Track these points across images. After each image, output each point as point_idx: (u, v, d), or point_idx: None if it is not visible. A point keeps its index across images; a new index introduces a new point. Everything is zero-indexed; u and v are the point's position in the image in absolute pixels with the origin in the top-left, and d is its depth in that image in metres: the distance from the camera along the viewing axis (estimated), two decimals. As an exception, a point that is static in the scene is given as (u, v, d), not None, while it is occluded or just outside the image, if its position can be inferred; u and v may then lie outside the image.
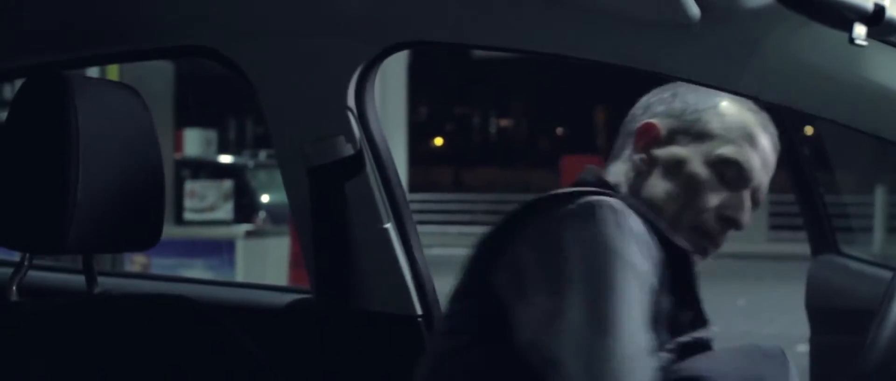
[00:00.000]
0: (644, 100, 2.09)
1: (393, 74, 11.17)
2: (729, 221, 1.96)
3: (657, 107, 2.05)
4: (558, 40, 2.03)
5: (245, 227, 9.43)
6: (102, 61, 3.07)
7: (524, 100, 41.01)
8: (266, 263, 9.03)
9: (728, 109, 2.00)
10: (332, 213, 2.22)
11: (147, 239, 2.02)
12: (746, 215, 1.97)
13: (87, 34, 2.30)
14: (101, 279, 2.10)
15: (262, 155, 15.17)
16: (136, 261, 8.38)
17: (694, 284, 1.93)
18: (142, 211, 1.99)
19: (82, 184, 1.85)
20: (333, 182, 2.22)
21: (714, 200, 1.95)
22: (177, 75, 10.52)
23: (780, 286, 14.67)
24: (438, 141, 42.69)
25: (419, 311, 2.28)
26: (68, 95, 1.86)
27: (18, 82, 2.03)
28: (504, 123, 45.40)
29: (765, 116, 2.02)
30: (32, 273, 2.02)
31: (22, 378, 1.77)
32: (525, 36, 2.05)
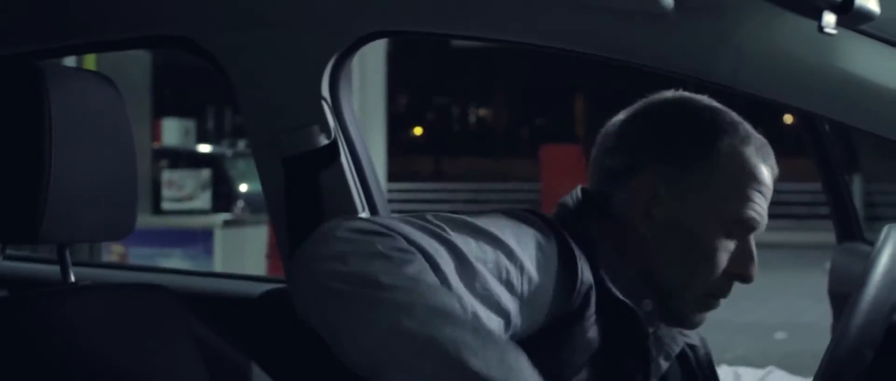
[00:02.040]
0: (621, 129, 1.88)
1: (372, 64, 11.17)
2: (739, 278, 1.84)
3: (648, 149, 1.84)
4: (535, 31, 2.03)
5: (223, 216, 9.43)
6: (78, 51, 3.05)
7: (504, 89, 41.05)
8: (244, 252, 9.02)
9: (732, 150, 1.83)
10: (306, 202, 2.22)
11: (121, 228, 2.02)
12: (755, 268, 1.84)
13: (63, 23, 2.29)
14: (76, 270, 2.09)
15: (241, 144, 15.15)
16: (113, 251, 8.36)
17: (640, 340, 1.77)
18: (116, 200, 1.99)
19: (55, 174, 1.85)
20: (308, 172, 2.22)
21: (723, 260, 1.81)
22: (155, 65, 10.49)
23: (760, 275, 14.69)
24: (418, 131, 42.69)
25: (394, 300, 2.27)
26: (41, 84, 1.85)
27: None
28: (484, 112, 45.43)
29: (759, 140, 1.87)
30: (6, 263, 2.01)
31: (-5, 369, 1.76)
32: (500, 26, 2.05)
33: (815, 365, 1.64)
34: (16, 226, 1.87)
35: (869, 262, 1.59)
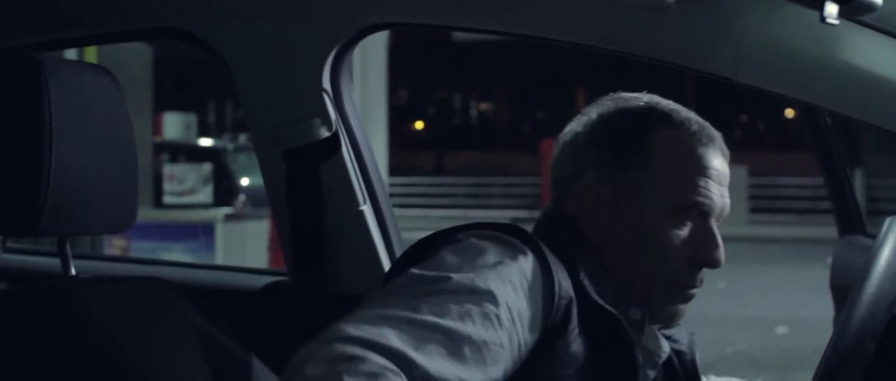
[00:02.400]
0: (563, 142, 1.87)
1: (373, 58, 11.17)
2: (703, 263, 1.80)
3: (585, 153, 1.83)
4: (536, 22, 2.03)
5: (224, 210, 9.42)
6: (78, 43, 3.06)
7: (505, 83, 41.04)
8: (245, 246, 9.02)
9: (668, 139, 1.80)
10: (307, 195, 2.22)
11: (122, 221, 2.01)
12: (719, 252, 1.80)
13: (63, 16, 2.29)
14: (77, 263, 2.09)
15: (242, 138, 15.15)
16: (114, 244, 8.36)
17: (627, 349, 1.72)
18: (116, 193, 1.99)
19: (56, 166, 1.84)
20: (309, 164, 2.21)
21: (682, 249, 1.77)
22: (156, 59, 10.49)
23: (761, 269, 14.75)
24: (419, 125, 42.69)
25: (395, 293, 2.27)
26: (41, 76, 1.85)
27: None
28: (484, 106, 45.44)
29: (699, 124, 1.83)
30: (7, 256, 2.01)
31: (-5, 361, 1.76)
32: (501, 18, 2.05)
33: (815, 359, 1.64)
34: (16, 219, 1.87)
35: (870, 254, 1.59)
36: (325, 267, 2.25)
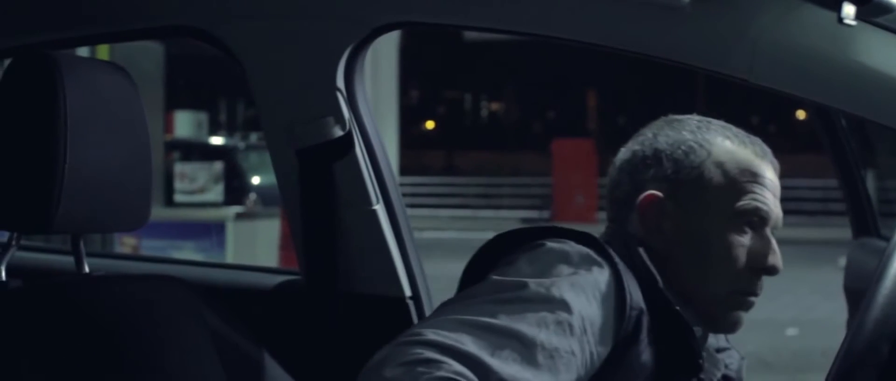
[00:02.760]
0: (622, 161, 1.92)
1: (384, 58, 11.17)
2: (762, 271, 1.85)
3: (645, 171, 1.89)
4: (549, 22, 2.02)
5: (235, 209, 9.43)
6: (91, 41, 3.06)
7: (516, 83, 41.02)
8: (256, 245, 9.02)
9: (723, 152, 1.87)
10: (320, 194, 2.22)
11: (135, 219, 2.02)
12: (777, 258, 1.85)
13: (77, 14, 2.29)
14: (90, 260, 2.09)
15: (253, 137, 15.15)
16: (125, 243, 8.37)
17: (693, 355, 1.77)
18: (130, 191, 1.99)
19: (70, 164, 1.85)
20: (322, 163, 2.21)
21: (743, 256, 1.83)
22: (167, 57, 10.50)
23: (771, 271, 14.66)
24: (430, 124, 42.69)
25: (408, 292, 2.27)
26: (56, 74, 1.85)
27: (6, 62, 2.02)
28: (495, 106, 45.43)
29: (755, 139, 1.91)
30: (21, 254, 2.02)
31: (9, 358, 1.76)
32: (515, 17, 2.05)
33: (825, 362, 1.63)
34: (30, 216, 1.87)
35: (885, 256, 1.59)
36: (337, 266, 2.25)
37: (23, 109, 1.88)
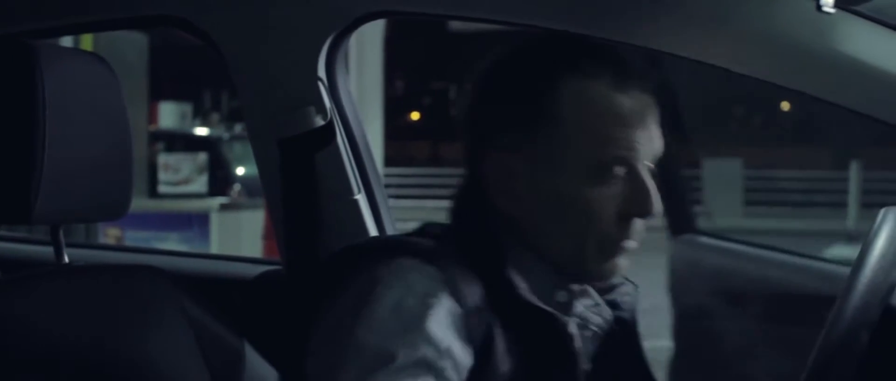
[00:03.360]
0: (460, 109, 1.73)
1: (369, 48, 11.15)
2: (636, 216, 1.65)
3: (489, 119, 1.68)
4: (533, 11, 2.02)
5: (220, 200, 9.41)
6: (73, 30, 3.04)
7: (501, 74, 41.02)
8: (240, 236, 9.01)
9: (577, 92, 1.63)
10: (302, 184, 2.21)
11: (115, 209, 2.01)
12: (652, 201, 1.63)
13: (60, 2, 2.28)
14: (70, 251, 2.09)
15: (238, 128, 15.11)
16: (109, 234, 8.35)
17: (565, 347, 1.62)
18: (110, 181, 1.98)
19: (49, 154, 1.84)
20: (303, 153, 2.21)
21: (611, 207, 1.62)
22: (151, 47, 10.47)
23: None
24: (415, 115, 42.68)
25: (389, 282, 2.27)
26: (35, 63, 1.85)
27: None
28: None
29: (613, 63, 1.66)
30: (0, 245, 2.01)
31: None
32: (498, 6, 2.05)
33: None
34: (9, 206, 1.87)
35: (864, 244, 1.59)
36: (318, 256, 2.25)
37: (1, 99, 1.87)
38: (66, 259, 2.06)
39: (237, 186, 10.75)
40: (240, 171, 12.90)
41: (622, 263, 1.67)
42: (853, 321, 1.50)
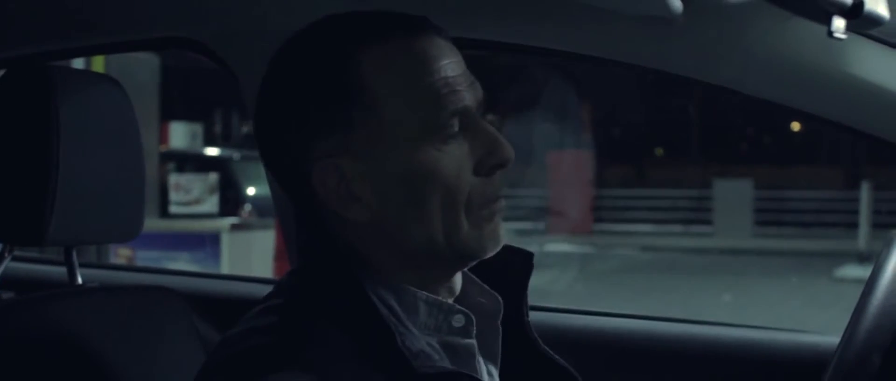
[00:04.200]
0: (259, 120, 1.49)
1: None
2: (494, 169, 1.45)
3: (298, 131, 1.44)
4: (541, 34, 2.03)
5: (230, 220, 9.42)
6: (87, 52, 3.05)
7: (508, 94, 41.00)
8: (251, 256, 9.02)
9: (376, 62, 1.41)
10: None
11: (128, 231, 2.02)
12: (503, 146, 1.45)
13: (72, 25, 2.29)
14: (83, 271, 2.09)
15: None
16: (120, 254, 8.37)
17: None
18: (123, 203, 1.99)
19: (63, 176, 1.85)
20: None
21: (464, 168, 1.43)
22: (163, 68, 10.50)
23: (766, 282, 14.74)
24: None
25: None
26: (50, 86, 1.86)
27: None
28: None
29: (400, 15, 1.45)
30: (14, 265, 2.02)
31: (1, 371, 1.76)
32: (507, 30, 2.05)
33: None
34: (23, 228, 1.87)
35: (876, 267, 1.59)
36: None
37: (16, 122, 1.88)
38: (80, 280, 2.07)
39: (248, 207, 10.78)
40: (250, 191, 12.93)
41: (500, 228, 1.47)
42: (865, 344, 1.50)
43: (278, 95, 1.46)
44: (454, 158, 1.42)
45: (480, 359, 1.52)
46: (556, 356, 1.58)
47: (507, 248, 1.53)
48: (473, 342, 1.49)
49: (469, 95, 1.44)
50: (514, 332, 1.57)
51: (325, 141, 1.42)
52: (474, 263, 1.49)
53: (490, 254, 1.48)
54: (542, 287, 11.76)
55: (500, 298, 1.54)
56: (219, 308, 2.15)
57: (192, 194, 9.44)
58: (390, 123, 1.41)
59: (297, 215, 2.23)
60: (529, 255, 1.58)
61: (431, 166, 1.41)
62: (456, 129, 1.43)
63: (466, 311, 1.48)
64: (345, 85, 1.41)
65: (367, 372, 1.37)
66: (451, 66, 1.43)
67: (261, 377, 1.32)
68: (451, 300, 1.50)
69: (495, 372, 1.54)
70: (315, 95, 1.42)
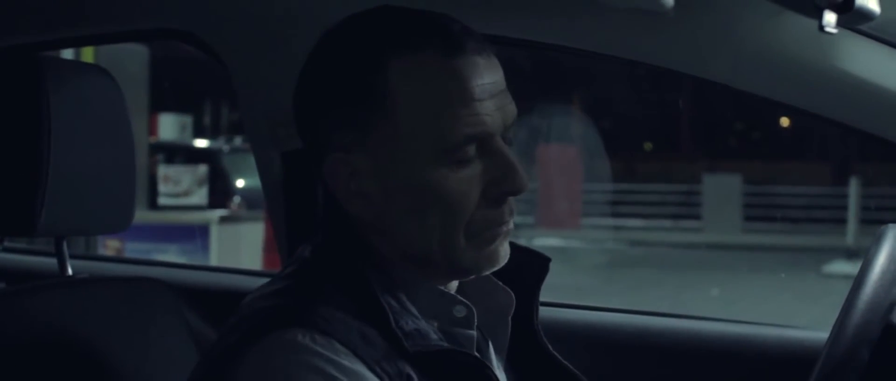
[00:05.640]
0: (296, 110, 1.51)
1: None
2: (504, 196, 1.45)
3: (315, 121, 1.47)
4: (530, 27, 2.03)
5: (219, 212, 9.41)
6: (77, 43, 3.06)
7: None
8: (240, 248, 9.01)
9: (405, 72, 1.41)
10: (305, 196, 2.22)
11: (119, 221, 2.02)
12: (518, 175, 1.44)
13: (62, 16, 2.29)
14: (73, 262, 2.09)
15: (238, 140, 15.11)
16: (109, 245, 8.36)
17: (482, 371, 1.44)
18: (113, 194, 1.99)
19: (54, 166, 1.85)
20: (306, 166, 2.21)
21: (474, 191, 1.43)
22: (152, 59, 10.48)
23: (755, 278, 14.77)
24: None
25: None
26: (41, 77, 1.86)
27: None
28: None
29: (442, 29, 1.44)
30: (4, 256, 2.01)
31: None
32: (499, 24, 2.05)
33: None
34: (14, 218, 1.87)
35: (865, 261, 1.59)
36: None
37: (6, 112, 1.88)
38: (70, 271, 2.07)
39: (237, 199, 10.76)
40: (239, 183, 12.91)
41: (502, 249, 1.48)
42: (854, 339, 1.50)
43: (312, 78, 1.48)
44: (462, 181, 1.42)
45: (493, 353, 1.55)
46: (566, 363, 1.61)
47: (524, 249, 1.58)
48: (474, 333, 1.50)
49: (494, 118, 1.43)
50: (523, 331, 1.59)
51: (343, 135, 1.44)
52: (470, 277, 1.52)
53: (487, 272, 1.50)
54: (531, 281, 11.72)
55: (512, 294, 1.56)
56: (208, 300, 2.15)
57: (182, 186, 9.42)
58: (406, 133, 1.41)
59: (287, 207, 2.24)
60: (546, 259, 1.60)
61: (437, 186, 1.42)
62: (471, 154, 1.43)
63: (467, 302, 1.50)
64: (370, 86, 1.42)
65: (374, 335, 1.39)
66: (482, 88, 1.42)
67: (271, 332, 1.36)
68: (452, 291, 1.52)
69: (501, 365, 1.56)
70: (341, 89, 1.44)
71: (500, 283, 1.56)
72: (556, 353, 1.61)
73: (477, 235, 1.45)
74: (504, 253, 1.49)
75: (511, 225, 1.48)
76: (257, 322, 1.40)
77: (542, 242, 16.29)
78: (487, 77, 1.44)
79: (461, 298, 1.50)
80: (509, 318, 1.56)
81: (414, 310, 1.46)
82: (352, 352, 1.36)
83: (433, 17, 1.46)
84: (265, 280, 2.42)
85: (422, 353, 1.40)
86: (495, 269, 1.50)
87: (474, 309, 1.50)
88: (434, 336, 1.44)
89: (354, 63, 1.44)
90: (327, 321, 1.38)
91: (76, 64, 2.11)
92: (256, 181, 2.34)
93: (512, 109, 1.46)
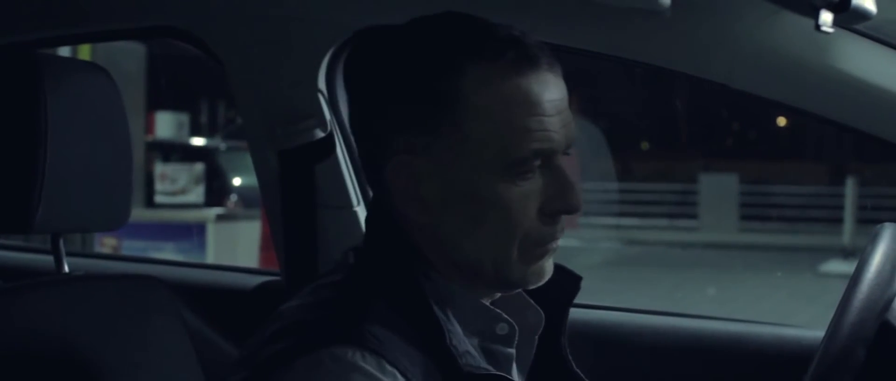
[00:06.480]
0: (352, 106, 1.52)
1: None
2: (558, 213, 1.46)
3: (385, 119, 1.45)
4: (532, 27, 2.03)
5: (216, 210, 9.41)
6: (74, 41, 3.06)
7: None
8: (237, 246, 9.00)
9: (479, 81, 1.41)
10: (301, 195, 2.22)
11: (116, 219, 2.02)
12: (575, 195, 1.45)
13: (59, 13, 2.29)
14: (70, 260, 2.09)
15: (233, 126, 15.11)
16: (105, 243, 8.35)
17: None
18: (110, 191, 1.99)
19: (51, 163, 1.85)
20: (303, 165, 2.22)
21: (531, 206, 1.44)
22: (149, 57, 10.47)
23: (751, 277, 14.78)
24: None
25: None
26: (38, 74, 1.86)
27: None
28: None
29: (517, 43, 1.44)
30: (0, 253, 2.01)
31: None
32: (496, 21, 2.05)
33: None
34: (10, 215, 1.87)
35: (861, 260, 1.60)
36: (317, 267, 2.26)
37: (3, 109, 1.88)
38: (66, 268, 2.07)
39: (234, 197, 10.76)
40: (236, 181, 12.91)
41: (548, 265, 1.50)
42: (850, 337, 1.51)
43: (377, 76, 1.47)
44: (523, 194, 1.43)
45: (515, 370, 1.54)
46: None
47: (558, 267, 1.56)
48: (513, 351, 1.52)
49: (560, 135, 1.44)
50: (548, 348, 1.59)
51: (407, 137, 1.44)
52: (513, 292, 1.53)
53: (531, 287, 1.51)
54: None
55: (542, 313, 1.57)
56: (204, 298, 2.15)
57: (178, 184, 9.42)
58: (474, 142, 1.42)
59: (283, 206, 2.24)
60: (577, 278, 1.60)
61: (499, 197, 1.42)
62: (535, 168, 1.44)
63: (510, 320, 1.50)
64: (442, 90, 1.42)
65: (417, 355, 1.39)
66: (552, 104, 1.44)
67: (323, 346, 1.35)
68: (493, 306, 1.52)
69: None
70: (411, 90, 1.43)
71: (531, 301, 1.57)
72: (579, 371, 1.62)
73: (529, 250, 1.46)
74: (549, 270, 1.50)
75: (556, 247, 1.49)
76: (309, 334, 1.39)
77: (539, 241, 16.26)
78: (557, 94, 1.45)
79: (505, 315, 1.51)
80: (536, 337, 1.57)
81: (457, 325, 1.46)
82: (399, 372, 1.36)
83: (508, 29, 1.46)
84: (262, 278, 2.45)
85: (473, 375, 1.40)
86: (539, 285, 1.51)
87: (516, 328, 1.51)
88: (477, 355, 1.46)
89: (427, 65, 1.43)
90: (379, 340, 1.37)
91: (73, 61, 2.11)
92: (253, 180, 2.34)
93: (574, 127, 1.48)
